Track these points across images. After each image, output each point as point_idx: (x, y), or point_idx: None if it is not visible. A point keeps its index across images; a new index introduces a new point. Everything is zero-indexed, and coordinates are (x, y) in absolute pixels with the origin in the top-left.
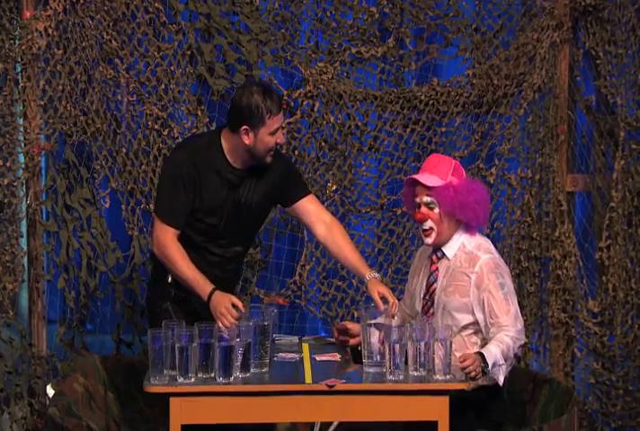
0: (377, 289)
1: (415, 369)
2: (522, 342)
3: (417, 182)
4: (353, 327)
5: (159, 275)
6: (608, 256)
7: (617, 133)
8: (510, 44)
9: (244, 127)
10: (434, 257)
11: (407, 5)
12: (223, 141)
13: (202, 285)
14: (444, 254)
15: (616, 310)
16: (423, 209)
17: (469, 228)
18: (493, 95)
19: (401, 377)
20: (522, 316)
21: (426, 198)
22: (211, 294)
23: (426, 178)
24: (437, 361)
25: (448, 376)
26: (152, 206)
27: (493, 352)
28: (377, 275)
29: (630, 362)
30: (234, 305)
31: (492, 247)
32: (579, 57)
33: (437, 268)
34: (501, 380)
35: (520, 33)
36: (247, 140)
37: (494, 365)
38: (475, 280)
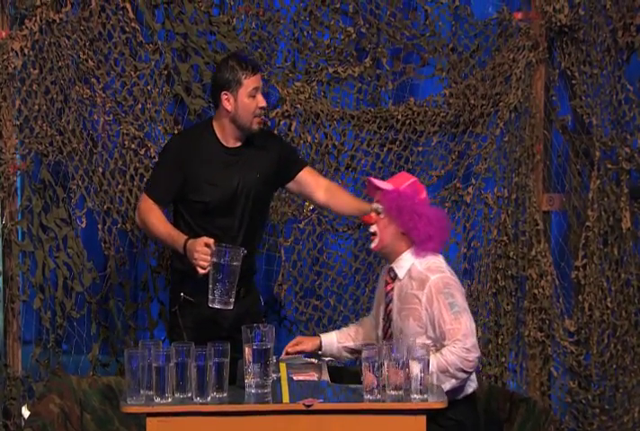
0: None
1: (392, 388)
2: (471, 359)
3: (375, 188)
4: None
5: (175, 283)
6: (584, 275)
7: (592, 153)
8: (486, 64)
9: (224, 92)
10: (388, 278)
11: (384, 25)
12: (214, 123)
13: (176, 238)
14: (396, 275)
15: (592, 329)
16: (372, 213)
17: (420, 249)
18: (470, 115)
19: (378, 396)
20: (500, 335)
21: (375, 204)
22: (185, 244)
23: (380, 181)
24: (413, 380)
25: (425, 395)
26: (128, 226)
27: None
28: None
29: (606, 381)
30: (207, 245)
31: (443, 265)
32: (554, 77)
33: (392, 289)
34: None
35: (496, 53)
36: (229, 106)
37: None
38: (425, 302)
